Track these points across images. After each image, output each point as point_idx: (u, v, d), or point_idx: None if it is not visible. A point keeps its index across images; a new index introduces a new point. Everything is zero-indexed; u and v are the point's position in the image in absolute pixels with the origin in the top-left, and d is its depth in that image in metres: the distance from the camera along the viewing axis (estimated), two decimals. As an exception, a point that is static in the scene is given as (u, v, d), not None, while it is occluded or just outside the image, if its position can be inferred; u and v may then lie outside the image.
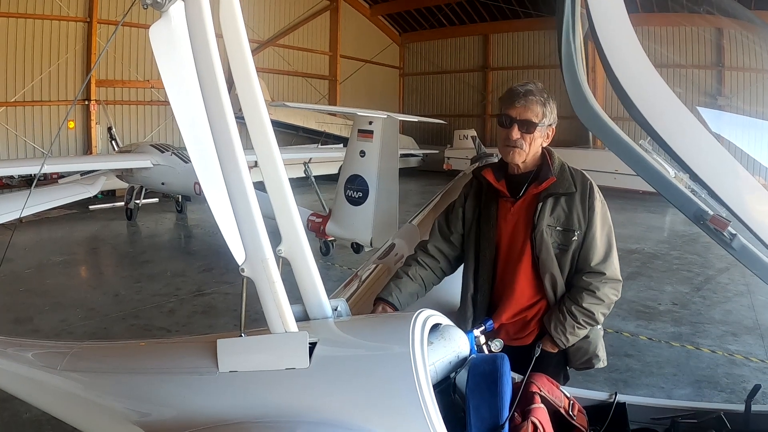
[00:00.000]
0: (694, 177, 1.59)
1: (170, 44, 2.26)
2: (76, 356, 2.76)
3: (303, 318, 2.28)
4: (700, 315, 8.65)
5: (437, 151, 26.68)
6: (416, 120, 14.86)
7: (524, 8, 28.40)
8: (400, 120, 10.25)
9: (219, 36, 2.01)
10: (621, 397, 2.62)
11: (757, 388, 2.48)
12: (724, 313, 8.74)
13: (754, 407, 2.43)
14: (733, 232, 1.82)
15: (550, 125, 3.01)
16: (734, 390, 6.02)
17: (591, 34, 1.62)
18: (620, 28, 1.60)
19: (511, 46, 31.08)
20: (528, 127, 2.92)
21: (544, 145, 3.06)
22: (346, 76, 30.75)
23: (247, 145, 2.01)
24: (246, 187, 1.98)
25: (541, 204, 2.98)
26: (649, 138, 1.64)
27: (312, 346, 2.01)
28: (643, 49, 1.59)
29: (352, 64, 31.10)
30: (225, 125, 1.96)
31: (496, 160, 3.28)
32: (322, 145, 20.62)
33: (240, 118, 2.08)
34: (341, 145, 17.29)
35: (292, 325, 2.03)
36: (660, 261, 12.18)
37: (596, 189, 3.05)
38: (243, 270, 2.04)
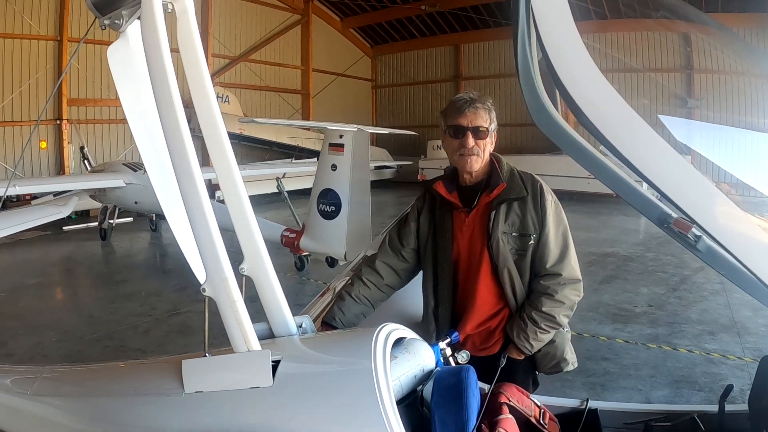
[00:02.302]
0: (646, 180, 1.59)
1: (128, 64, 2.26)
2: (46, 380, 2.73)
3: (268, 336, 2.26)
4: (676, 315, 8.71)
5: (411, 162, 26.74)
6: (387, 132, 14.90)
7: (494, 18, 28.62)
8: (372, 132, 10.28)
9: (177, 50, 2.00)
10: (593, 403, 2.61)
11: (729, 388, 2.48)
12: (701, 312, 8.80)
13: (728, 407, 2.43)
14: (698, 233, 1.82)
15: (494, 130, 3.04)
16: (712, 389, 6.04)
17: (537, 42, 1.63)
18: (565, 34, 1.61)
19: (482, 55, 31.31)
20: (480, 133, 2.95)
21: (492, 150, 3.07)
22: (318, 90, 30.79)
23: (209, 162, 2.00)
24: (204, 206, 1.96)
25: (494, 212, 2.98)
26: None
27: (276, 364, 2.00)
28: (590, 55, 1.59)
29: (324, 78, 31.14)
30: (181, 144, 1.95)
31: None
32: (296, 159, 20.60)
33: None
34: (315, 159, 17.29)
35: (255, 344, 2.01)
36: (635, 263, 12.28)
37: (547, 190, 3.06)
38: (204, 290, 2.02)
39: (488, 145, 3.01)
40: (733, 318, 8.38)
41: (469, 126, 2.94)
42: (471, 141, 2.94)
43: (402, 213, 5.29)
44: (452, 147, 3.03)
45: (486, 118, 2.97)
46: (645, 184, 1.76)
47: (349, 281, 3.27)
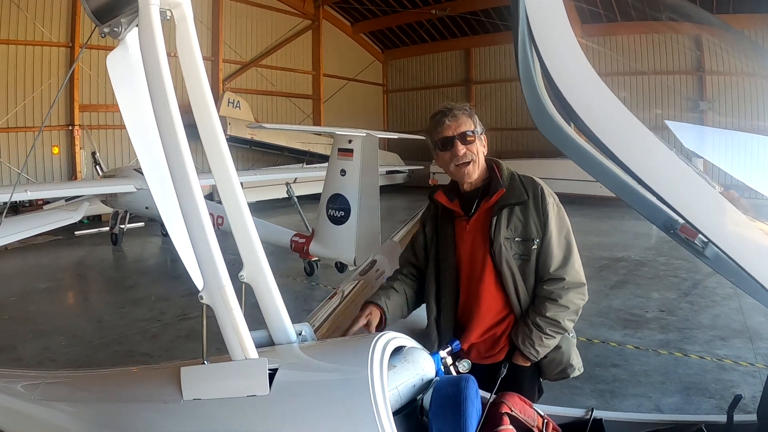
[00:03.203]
0: (645, 186, 1.57)
1: (127, 71, 2.27)
2: (49, 385, 2.74)
3: (268, 343, 2.25)
4: (687, 321, 8.64)
5: (423, 167, 26.69)
6: (396, 137, 14.92)
7: (504, 22, 28.54)
8: (382, 137, 10.31)
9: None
10: (598, 413, 2.57)
11: (738, 398, 2.44)
12: (712, 317, 8.72)
13: (737, 417, 2.39)
14: (705, 240, 1.79)
15: (482, 133, 3.03)
16: (723, 396, 5.97)
17: (532, 45, 1.61)
18: (561, 37, 1.58)
19: (493, 59, 31.22)
20: (468, 137, 2.94)
21: (485, 153, 3.05)
22: (329, 95, 30.79)
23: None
24: (201, 214, 1.95)
25: (495, 218, 2.95)
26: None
27: (274, 372, 1.98)
28: (593, 58, 1.57)
29: (335, 83, 31.16)
30: (178, 152, 1.93)
31: None
32: (307, 164, 20.65)
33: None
34: (327, 164, 17.32)
35: (252, 352, 2.00)
36: (647, 268, 12.19)
37: (548, 193, 3.01)
38: (201, 297, 2.01)
39: (480, 149, 3.00)
40: (745, 323, 8.29)
41: (455, 134, 2.94)
42: (461, 148, 2.94)
43: (409, 219, 5.29)
44: (445, 160, 3.03)
45: (469, 122, 2.96)
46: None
47: (390, 278, 3.31)
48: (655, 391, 6.17)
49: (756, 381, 6.30)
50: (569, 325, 3.00)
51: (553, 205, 2.98)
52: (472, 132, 2.95)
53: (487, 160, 3.08)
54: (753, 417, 2.36)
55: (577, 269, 2.98)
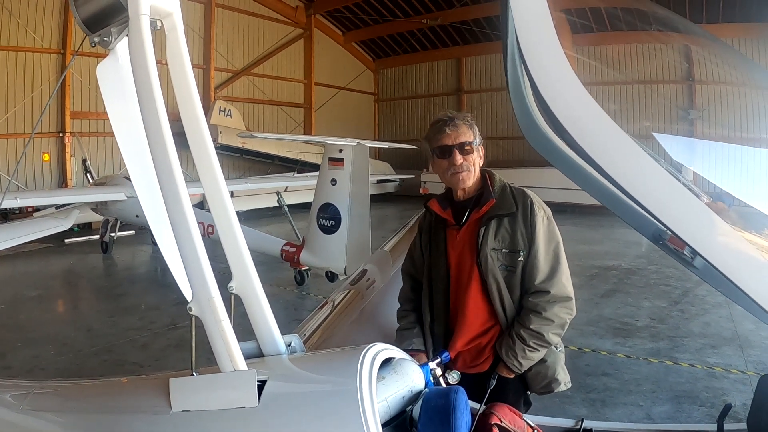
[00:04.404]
0: (632, 198, 1.57)
1: (117, 81, 2.26)
2: (38, 395, 2.71)
3: (257, 354, 2.23)
4: (678, 329, 8.66)
5: (413, 176, 26.73)
6: (387, 146, 14.96)
7: (495, 31, 28.62)
8: (373, 146, 10.33)
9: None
10: (588, 423, 2.57)
11: (728, 407, 2.44)
12: (703, 325, 8.75)
13: (727, 426, 2.39)
14: (693, 251, 1.79)
15: (480, 144, 3.06)
16: (714, 404, 5.97)
17: (521, 59, 1.61)
18: (549, 51, 1.59)
19: (484, 68, 31.35)
20: (466, 148, 2.97)
21: (481, 164, 3.08)
22: (321, 104, 30.85)
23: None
24: (190, 224, 1.93)
25: (483, 228, 2.97)
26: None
27: (263, 384, 1.97)
28: (578, 68, 1.58)
29: (326, 92, 31.23)
30: (167, 162, 1.92)
31: None
32: (298, 173, 20.66)
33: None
34: (317, 173, 17.33)
35: (241, 364, 1.99)
36: (637, 276, 12.23)
37: (538, 205, 3.03)
38: (191, 309, 1.99)
39: (477, 159, 3.02)
40: (735, 331, 8.32)
41: (454, 144, 2.96)
42: (459, 158, 2.96)
43: (400, 228, 5.28)
44: (442, 168, 3.04)
45: (469, 133, 2.99)
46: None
47: (398, 317, 3.33)
48: (646, 400, 6.17)
49: (746, 389, 6.30)
50: (554, 339, 3.00)
51: (542, 218, 3.00)
52: (471, 143, 2.98)
53: (481, 171, 3.10)
54: (743, 425, 2.36)
55: (564, 283, 2.99)
